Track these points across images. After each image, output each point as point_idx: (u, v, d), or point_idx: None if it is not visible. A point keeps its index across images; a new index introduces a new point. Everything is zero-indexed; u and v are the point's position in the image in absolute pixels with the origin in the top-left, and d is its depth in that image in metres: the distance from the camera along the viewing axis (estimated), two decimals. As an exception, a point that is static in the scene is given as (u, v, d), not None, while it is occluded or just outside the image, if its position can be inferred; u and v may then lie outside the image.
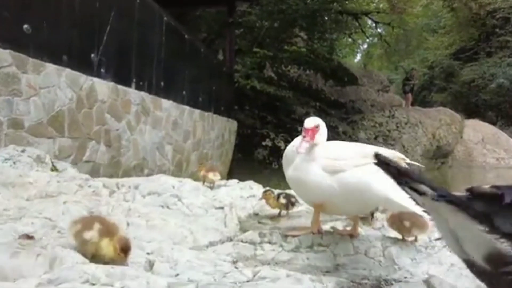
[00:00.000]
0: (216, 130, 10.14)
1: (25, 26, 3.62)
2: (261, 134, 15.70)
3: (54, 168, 3.02)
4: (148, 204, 1.87)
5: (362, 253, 1.41)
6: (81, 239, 1.06)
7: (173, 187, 2.03)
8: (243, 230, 1.80)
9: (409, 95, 19.03)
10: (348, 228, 1.64)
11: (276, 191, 2.07)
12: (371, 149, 1.51)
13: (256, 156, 15.18)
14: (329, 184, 1.47)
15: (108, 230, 1.08)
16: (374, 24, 22.58)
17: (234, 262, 1.21)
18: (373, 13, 20.10)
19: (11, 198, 1.62)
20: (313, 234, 1.52)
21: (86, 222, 1.09)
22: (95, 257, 1.01)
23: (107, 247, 1.03)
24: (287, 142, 16.71)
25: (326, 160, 1.52)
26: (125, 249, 1.03)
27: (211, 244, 1.54)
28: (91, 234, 1.05)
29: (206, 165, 2.56)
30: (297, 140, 1.72)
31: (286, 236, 1.51)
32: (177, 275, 1.01)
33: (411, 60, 28.42)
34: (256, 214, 2.10)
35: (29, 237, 1.13)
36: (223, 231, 1.71)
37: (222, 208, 1.86)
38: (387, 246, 1.43)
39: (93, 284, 0.80)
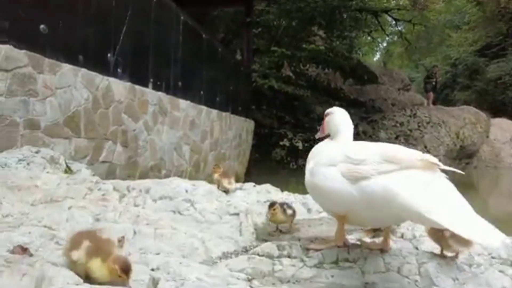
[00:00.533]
0: (234, 130, 10.05)
1: (42, 26, 3.60)
2: (279, 134, 15.53)
3: (68, 169, 2.96)
4: (159, 209, 1.76)
5: (394, 270, 1.25)
6: (70, 259, 0.95)
7: (186, 191, 1.91)
8: (259, 239, 1.67)
9: (431, 93, 18.44)
10: (378, 241, 1.47)
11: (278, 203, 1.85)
12: (399, 152, 1.33)
13: (273, 156, 15.02)
14: (350, 193, 1.30)
15: (99, 248, 0.93)
16: (394, 22, 22.01)
17: (249, 280, 1.07)
18: (393, 11, 19.57)
19: (15, 202, 1.54)
20: (338, 247, 1.36)
21: (75, 239, 0.98)
22: (90, 279, 0.89)
23: (100, 269, 0.91)
24: (305, 142, 16.53)
25: (346, 165, 1.35)
26: (126, 270, 0.90)
27: (225, 255, 1.41)
28: (78, 254, 0.92)
29: (221, 167, 2.42)
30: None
31: (307, 249, 1.36)
32: (185, 296, 0.89)
33: (433, 58, 27.59)
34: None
35: (23, 249, 1.03)
36: (238, 240, 1.58)
37: (237, 214, 1.73)
38: (423, 263, 1.26)
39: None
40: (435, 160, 1.26)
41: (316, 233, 1.69)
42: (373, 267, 1.27)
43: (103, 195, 1.89)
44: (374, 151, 1.32)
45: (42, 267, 0.82)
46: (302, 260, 1.31)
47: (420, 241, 1.53)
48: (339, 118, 1.64)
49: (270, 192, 2.20)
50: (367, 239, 1.53)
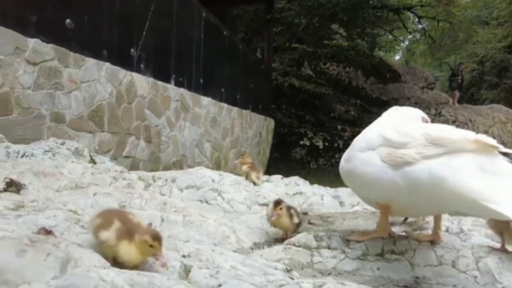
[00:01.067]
0: (254, 128, 9.98)
1: (68, 21, 3.62)
2: (299, 133, 15.36)
3: (92, 161, 2.95)
4: (185, 198, 1.69)
5: (448, 264, 1.12)
6: (98, 240, 0.87)
7: (213, 180, 1.84)
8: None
9: (456, 91, 17.80)
10: (426, 232, 1.33)
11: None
12: (448, 132, 1.18)
13: (293, 156, 14.86)
14: (391, 180, 1.16)
15: (130, 232, 0.85)
16: (417, 19, 21.41)
17: (288, 271, 0.98)
18: (416, 7, 19.03)
19: (41, 188, 1.50)
20: (382, 239, 1.24)
21: (105, 217, 0.89)
22: (117, 263, 0.81)
23: (129, 252, 0.83)
24: (326, 141, 16.26)
25: (386, 149, 1.20)
26: (157, 238, 0.82)
27: (256, 246, 1.32)
28: (107, 235, 0.85)
29: (249, 158, 2.33)
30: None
31: (348, 240, 1.25)
32: (220, 286, 0.80)
33: (458, 56, 26.70)
34: (305, 213, 1.86)
35: (47, 231, 0.96)
36: (268, 231, 1.49)
37: (266, 205, 1.64)
38: (480, 257, 1.13)
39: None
40: (492, 141, 1.11)
41: (352, 227, 1.57)
42: (424, 260, 1.14)
43: (128, 184, 1.84)
44: (417, 133, 1.17)
45: (68, 248, 0.75)
46: (343, 252, 1.20)
47: (469, 235, 1.39)
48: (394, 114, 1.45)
49: (299, 184, 2.09)
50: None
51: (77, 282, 0.62)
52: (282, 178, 2.19)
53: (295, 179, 2.15)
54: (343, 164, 1.38)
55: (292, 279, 0.89)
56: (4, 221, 0.99)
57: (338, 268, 1.13)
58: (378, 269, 1.11)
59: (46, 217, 1.10)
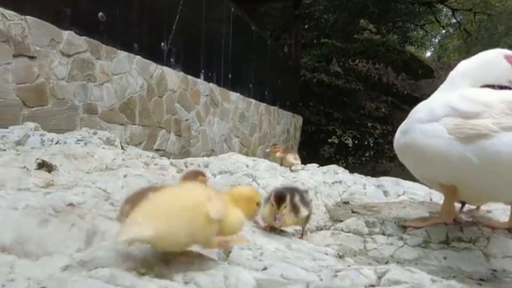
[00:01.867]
0: (282, 125, 9.84)
1: (100, 14, 3.64)
2: (327, 131, 15.05)
3: (123, 151, 2.93)
4: (219, 183, 1.60)
5: (531, 256, 0.95)
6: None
7: (247, 166, 1.74)
8: (333, 219, 1.43)
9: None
10: (503, 220, 1.14)
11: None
12: None
13: (321, 154, 14.58)
14: (461, 156, 0.98)
15: None
16: (450, 13, 20.44)
17: (341, 257, 0.85)
18: (451, 0, 18.15)
19: (72, 170, 1.46)
20: (445, 225, 1.08)
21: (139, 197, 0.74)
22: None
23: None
24: (356, 139, 15.87)
25: (453, 120, 1.03)
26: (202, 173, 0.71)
27: (298, 232, 1.19)
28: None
29: (279, 147, 2.22)
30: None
31: (404, 227, 1.10)
32: (265, 268, 0.69)
33: (497, 50, 25.18)
34: (346, 203, 1.72)
35: (75, 207, 0.89)
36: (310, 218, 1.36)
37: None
38: None
39: (142, 274, 0.51)
40: None
41: (402, 216, 1.41)
42: (501, 251, 0.98)
43: (160, 168, 1.77)
44: (495, 100, 1.00)
45: (94, 220, 0.66)
46: (401, 238, 1.05)
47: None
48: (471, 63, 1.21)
49: (338, 172, 1.95)
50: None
51: (102, 255, 0.53)
52: (318, 166, 2.05)
53: (333, 167, 2.00)
54: (399, 136, 1.20)
55: (349, 266, 0.76)
56: (31, 195, 0.93)
57: (396, 256, 0.99)
58: (444, 258, 0.96)
59: (75, 193, 1.04)
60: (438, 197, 1.79)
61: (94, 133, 2.84)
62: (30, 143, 2.25)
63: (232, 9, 6.61)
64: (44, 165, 1.44)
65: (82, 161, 1.56)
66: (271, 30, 14.76)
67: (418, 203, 1.72)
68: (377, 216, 1.40)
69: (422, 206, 1.62)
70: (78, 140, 2.65)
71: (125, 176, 1.36)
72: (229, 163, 1.76)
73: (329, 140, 14.92)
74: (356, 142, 14.89)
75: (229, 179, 1.63)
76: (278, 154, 2.03)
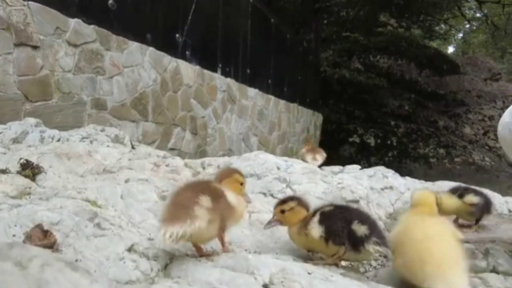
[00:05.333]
0: (302, 123, 9.46)
1: (110, 1, 3.37)
2: (348, 130, 14.55)
3: (132, 149, 2.64)
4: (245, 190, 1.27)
5: None
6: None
7: (278, 168, 1.40)
8: None
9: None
10: None
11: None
12: None
13: (342, 154, 14.10)
14: None
15: None
16: (475, 5, 19.54)
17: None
18: (478, -7, 17.31)
19: (62, 173, 1.17)
20: None
21: None
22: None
23: None
24: (378, 138, 15.35)
25: None
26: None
27: (358, 262, 0.85)
28: None
29: (310, 145, 1.91)
30: None
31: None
32: None
33: (526, 45, 24.15)
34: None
35: (44, 232, 0.58)
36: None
37: (356, 201, 1.17)
38: None
39: None
40: None
41: (490, 238, 1.05)
42: None
43: (171, 171, 1.46)
44: None
45: (43, 273, 0.34)
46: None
47: None
48: None
49: (387, 176, 1.59)
50: None
51: None
52: (361, 168, 1.70)
53: (381, 169, 1.65)
54: (508, 121, 0.89)
55: None
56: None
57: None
58: None
59: (51, 208, 0.73)
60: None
61: (102, 130, 2.56)
62: (28, 140, 1.99)
63: (251, 0, 6.28)
64: (28, 167, 1.15)
65: (77, 162, 1.27)
66: (290, 23, 14.37)
67: (496, 216, 1.35)
68: (484, 236, 1.03)
69: (504, 221, 1.25)
70: (83, 137, 2.37)
71: (126, 181, 1.06)
72: (256, 164, 1.43)
73: (350, 139, 14.43)
74: (379, 141, 14.34)
75: (256, 184, 1.30)
76: (302, 151, 1.73)
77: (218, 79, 5.22)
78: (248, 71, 6.21)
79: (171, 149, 4.23)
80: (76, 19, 2.96)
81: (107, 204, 0.88)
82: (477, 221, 1.16)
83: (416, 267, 0.70)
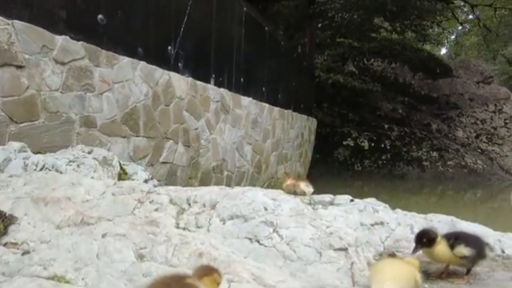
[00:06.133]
0: (296, 129, 9.44)
1: (99, 16, 3.32)
2: (342, 133, 14.58)
3: (122, 172, 2.60)
4: (229, 235, 1.24)
5: None
6: None
7: (265, 208, 1.36)
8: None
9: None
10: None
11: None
12: None
13: (336, 157, 14.11)
14: None
15: None
16: (467, 9, 19.71)
17: None
18: (470, -4, 17.43)
19: (38, 222, 1.13)
20: None
21: None
22: None
23: None
24: (372, 141, 15.43)
25: None
26: None
27: None
28: None
29: (290, 175, 1.89)
30: None
31: None
32: None
33: (518, 47, 24.41)
34: (392, 255, 1.33)
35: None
36: (354, 294, 0.99)
37: (345, 249, 1.14)
38: None
39: None
40: None
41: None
42: None
43: (156, 209, 1.42)
44: None
45: None
46: None
47: None
48: None
49: (378, 210, 1.56)
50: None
51: None
52: (352, 200, 1.67)
53: (371, 202, 1.61)
54: None
55: None
56: None
57: None
58: None
59: (16, 290, 0.68)
60: (512, 248, 1.39)
61: (90, 152, 2.52)
62: (10, 169, 1.94)
63: (245, 8, 6.25)
64: (0, 217, 1.10)
65: (54, 208, 1.22)
66: (283, 30, 14.36)
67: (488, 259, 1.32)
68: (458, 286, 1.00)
69: (498, 264, 1.23)
70: (70, 161, 2.33)
71: (103, 235, 1.02)
72: (243, 203, 1.39)
73: (344, 143, 14.45)
74: (372, 144, 14.39)
75: (242, 227, 1.26)
76: (288, 182, 1.68)
77: (211, 90, 5.18)
78: (241, 80, 6.18)
79: (163, 162, 4.18)
80: (63, 36, 2.91)
81: (78, 277, 0.83)
82: (468, 271, 1.14)
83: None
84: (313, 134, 11.74)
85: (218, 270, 0.85)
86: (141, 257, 0.97)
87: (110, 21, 3.40)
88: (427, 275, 1.23)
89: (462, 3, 18.47)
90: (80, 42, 3.06)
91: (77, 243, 0.99)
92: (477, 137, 16.17)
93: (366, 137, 14.65)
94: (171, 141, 4.26)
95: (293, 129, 9.21)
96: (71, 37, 2.98)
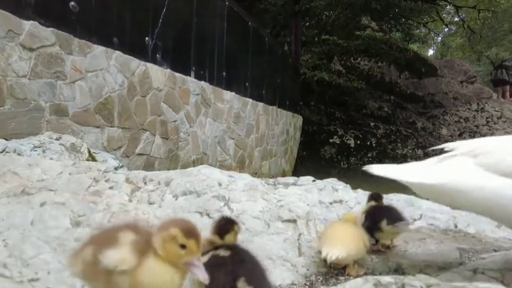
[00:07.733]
0: (281, 125, 9.45)
1: (72, 3, 3.26)
2: (328, 131, 14.67)
3: (91, 159, 2.55)
4: (180, 208, 1.22)
5: None
6: None
7: (219, 184, 1.35)
8: (332, 267, 1.04)
9: (507, 86, 16.37)
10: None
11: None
12: None
13: (322, 154, 14.18)
14: None
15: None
16: (453, 10, 20.10)
17: None
18: (455, -3, 17.75)
19: (-24, 195, 1.09)
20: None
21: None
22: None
23: None
24: (358, 139, 15.55)
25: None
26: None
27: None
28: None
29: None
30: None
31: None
32: None
33: (501, 48, 24.99)
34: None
35: None
36: (296, 263, 0.99)
37: (293, 221, 1.13)
38: None
39: None
40: None
41: (426, 257, 1.03)
42: None
43: (110, 187, 1.40)
44: None
45: None
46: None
47: None
48: None
49: (337, 189, 1.56)
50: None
51: None
52: (314, 180, 1.67)
53: (332, 182, 1.61)
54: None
55: None
56: None
57: None
58: None
59: None
60: (465, 223, 1.41)
61: (58, 139, 2.47)
62: (-32, 151, 1.88)
63: (227, 2, 6.22)
64: None
65: (-3, 181, 1.19)
66: (270, 28, 14.37)
67: (441, 232, 1.34)
68: (392, 260, 1.01)
69: (448, 238, 1.24)
70: (35, 147, 2.27)
71: (42, 204, 0.99)
72: (197, 180, 1.38)
73: (331, 140, 14.53)
74: (358, 142, 14.51)
75: (194, 202, 1.25)
76: None
77: (191, 83, 5.14)
78: (224, 74, 6.15)
79: (140, 154, 4.13)
80: (31, 22, 2.84)
81: (7, 239, 0.81)
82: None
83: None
84: (298, 131, 11.79)
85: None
86: (77, 224, 0.95)
87: (83, 9, 3.34)
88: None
89: (447, 5, 18.79)
90: (50, 29, 3.00)
91: (11, 211, 0.96)
92: (460, 135, 16.45)
93: (352, 135, 14.76)
94: (147, 132, 4.21)
95: (278, 126, 9.23)
96: (41, 23, 2.92)
